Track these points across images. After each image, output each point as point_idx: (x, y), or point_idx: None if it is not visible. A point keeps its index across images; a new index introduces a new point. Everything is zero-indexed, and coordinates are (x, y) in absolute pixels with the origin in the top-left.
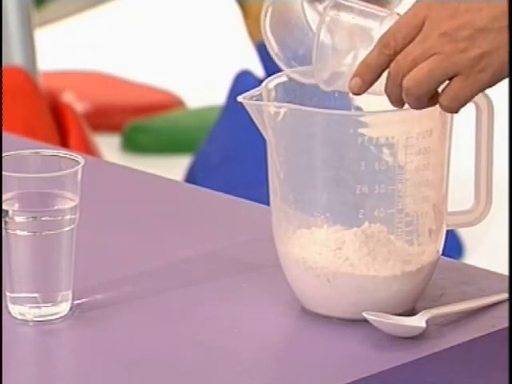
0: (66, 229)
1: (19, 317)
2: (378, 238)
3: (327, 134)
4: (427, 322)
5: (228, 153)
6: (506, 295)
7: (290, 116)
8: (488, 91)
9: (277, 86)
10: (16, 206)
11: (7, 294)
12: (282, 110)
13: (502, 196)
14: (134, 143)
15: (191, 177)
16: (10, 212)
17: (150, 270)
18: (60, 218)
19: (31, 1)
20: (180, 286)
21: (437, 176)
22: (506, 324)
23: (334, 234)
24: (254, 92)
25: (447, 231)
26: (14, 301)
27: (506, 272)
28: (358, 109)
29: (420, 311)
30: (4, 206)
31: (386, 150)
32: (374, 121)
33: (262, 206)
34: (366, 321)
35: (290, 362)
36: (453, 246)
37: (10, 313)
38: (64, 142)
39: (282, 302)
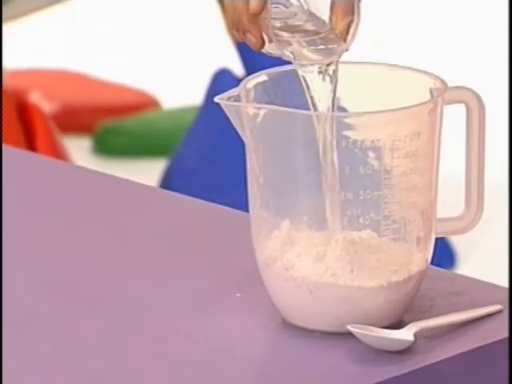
0: None
1: None
2: (362, 246)
3: (309, 136)
4: (415, 335)
5: (206, 156)
6: (498, 307)
7: (269, 117)
8: (480, 91)
9: (256, 86)
10: None
11: None
12: (262, 112)
13: (495, 201)
14: (105, 146)
15: (167, 182)
16: None
17: (121, 279)
18: None
19: None
20: (152, 297)
21: (425, 181)
22: (498, 337)
23: (316, 241)
24: (232, 92)
25: (437, 239)
26: None
27: (501, 282)
28: (343, 110)
29: (408, 324)
30: None
31: (371, 154)
32: (359, 122)
33: (242, 212)
34: (350, 334)
35: (269, 378)
36: (444, 255)
37: None
38: (31, 145)
39: (262, 314)
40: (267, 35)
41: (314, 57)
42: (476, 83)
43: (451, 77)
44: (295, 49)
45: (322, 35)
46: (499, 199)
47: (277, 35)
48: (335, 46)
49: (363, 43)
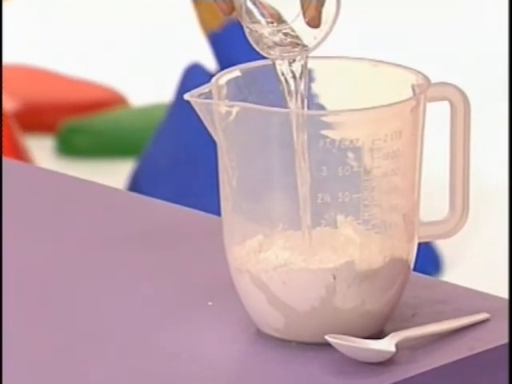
0: None
1: None
2: (339, 240)
3: (285, 135)
4: (397, 345)
5: (176, 156)
6: (485, 315)
7: (243, 116)
8: (466, 87)
9: (228, 82)
10: None
11: None
12: (235, 110)
13: (483, 203)
14: (70, 146)
15: (135, 184)
16: None
17: (86, 288)
18: None
19: None
20: (117, 306)
21: (407, 182)
22: (485, 347)
23: (290, 240)
24: (203, 89)
25: (421, 244)
26: None
27: (490, 289)
28: (320, 107)
29: (389, 333)
30: None
31: (350, 154)
32: (337, 121)
33: (214, 216)
34: (328, 345)
35: None
36: (429, 261)
37: None
38: None
39: (235, 324)
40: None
41: (281, 50)
42: (476, 83)
43: (449, 77)
44: (263, 39)
45: (291, 22)
46: (487, 200)
47: (248, 13)
48: (302, 41)
49: (346, 37)
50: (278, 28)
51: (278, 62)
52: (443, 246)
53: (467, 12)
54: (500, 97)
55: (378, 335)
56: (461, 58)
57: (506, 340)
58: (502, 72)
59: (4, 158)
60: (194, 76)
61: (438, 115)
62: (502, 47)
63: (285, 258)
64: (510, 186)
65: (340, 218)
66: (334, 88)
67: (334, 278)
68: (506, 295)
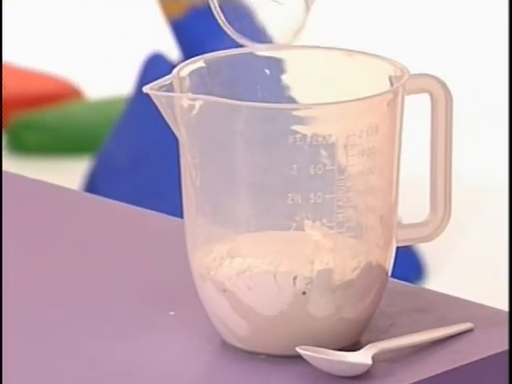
0: None
1: None
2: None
3: (252, 131)
4: (374, 357)
5: (137, 153)
6: (469, 325)
7: (206, 110)
8: (448, 79)
9: (191, 74)
10: None
11: None
12: (198, 103)
13: (469, 205)
14: (21, 142)
15: (92, 184)
16: None
17: (37, 295)
18: None
19: None
20: (73, 315)
21: (384, 181)
22: (469, 360)
23: (257, 252)
24: (164, 81)
25: (400, 248)
26: None
27: (476, 297)
28: (292, 100)
29: (365, 345)
30: None
31: (322, 151)
32: (309, 115)
33: (177, 219)
34: (299, 357)
35: None
36: (409, 267)
37: None
38: None
39: (198, 334)
40: None
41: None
42: (476, 83)
43: (449, 76)
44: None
45: None
46: (474, 201)
47: None
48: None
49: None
50: None
51: None
52: (426, 251)
53: (465, 9)
54: (499, 96)
55: (354, 346)
56: (459, 56)
57: (489, 353)
58: (502, 71)
59: None
60: (155, 67)
61: (417, 109)
62: (503, 45)
63: (249, 263)
64: (510, 186)
65: (308, 222)
66: (306, 80)
67: (307, 287)
68: (492, 303)
